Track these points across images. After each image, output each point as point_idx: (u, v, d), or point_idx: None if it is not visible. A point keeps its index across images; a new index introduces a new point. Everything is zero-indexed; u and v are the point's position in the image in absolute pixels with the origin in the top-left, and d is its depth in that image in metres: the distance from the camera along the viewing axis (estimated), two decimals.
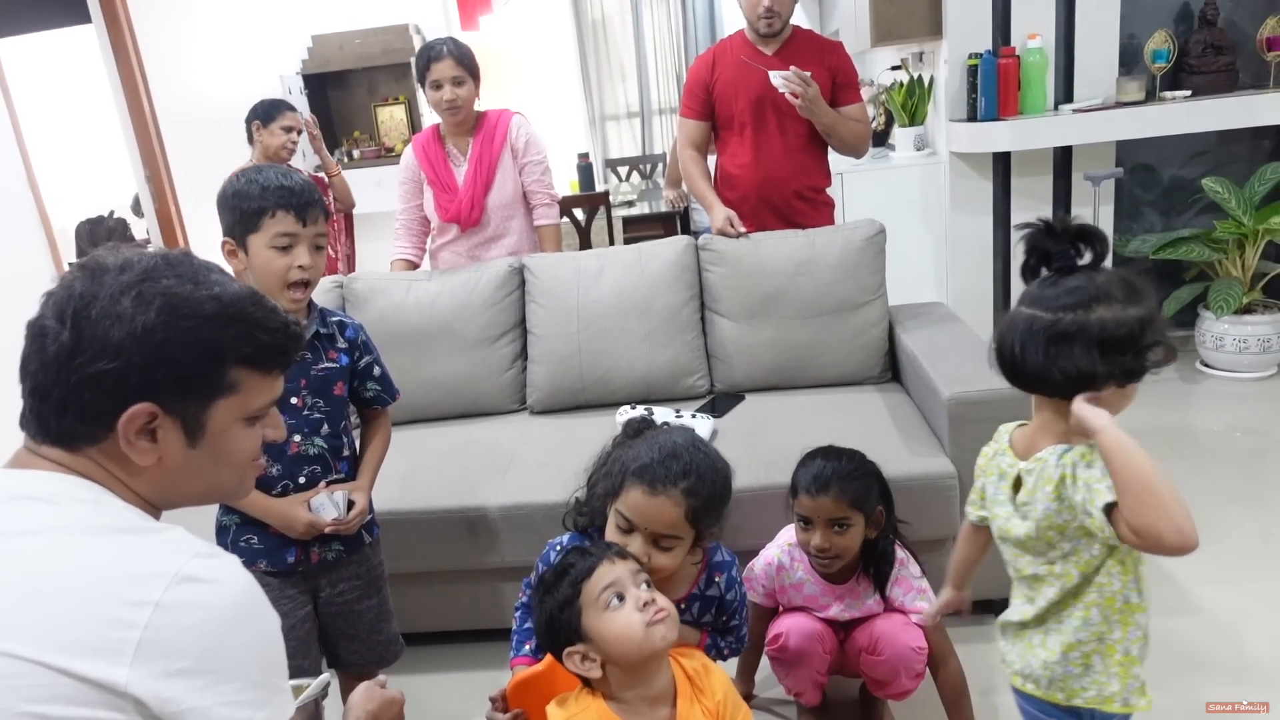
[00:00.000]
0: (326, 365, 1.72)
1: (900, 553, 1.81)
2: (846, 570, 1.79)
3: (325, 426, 1.72)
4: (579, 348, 2.66)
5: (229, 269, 1.03)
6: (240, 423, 0.96)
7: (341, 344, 1.75)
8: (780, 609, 1.91)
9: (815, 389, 2.65)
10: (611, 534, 1.43)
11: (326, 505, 1.66)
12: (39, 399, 0.89)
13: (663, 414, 2.45)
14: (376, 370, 1.83)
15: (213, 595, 0.84)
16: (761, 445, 2.29)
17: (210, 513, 2.10)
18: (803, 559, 1.84)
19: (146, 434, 0.90)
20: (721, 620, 1.59)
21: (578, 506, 1.60)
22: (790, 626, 1.80)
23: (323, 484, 1.70)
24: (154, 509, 0.95)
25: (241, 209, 1.59)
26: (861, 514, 1.70)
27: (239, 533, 1.68)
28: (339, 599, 1.77)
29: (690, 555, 1.45)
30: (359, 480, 1.77)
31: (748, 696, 2.02)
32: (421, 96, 5.40)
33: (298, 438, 1.68)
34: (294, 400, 1.67)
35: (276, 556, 1.69)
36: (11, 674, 0.77)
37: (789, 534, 1.87)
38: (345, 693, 1.86)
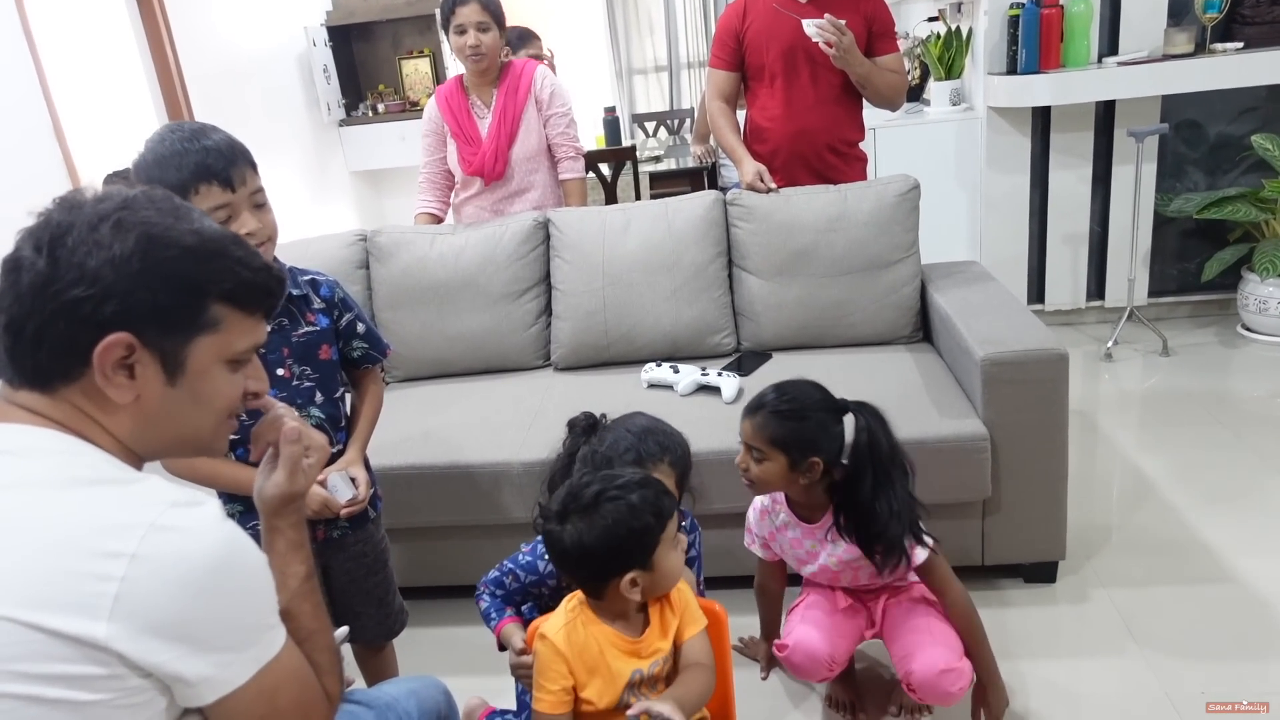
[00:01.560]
0: (307, 330, 1.61)
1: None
2: (811, 510, 1.75)
3: (319, 394, 1.63)
4: (604, 303, 2.63)
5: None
6: (222, 365, 0.93)
7: (318, 304, 1.64)
8: (792, 611, 1.87)
9: (844, 348, 2.60)
10: None
11: (341, 486, 1.58)
12: (13, 335, 0.86)
13: (688, 371, 2.42)
14: (360, 327, 1.71)
15: (191, 544, 0.82)
16: None
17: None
18: (783, 501, 1.80)
19: (124, 369, 0.87)
20: None
21: (544, 511, 1.54)
22: (797, 641, 1.76)
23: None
24: (135, 458, 0.92)
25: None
26: (782, 454, 1.63)
27: (244, 520, 1.58)
28: (346, 577, 1.73)
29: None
30: (349, 454, 1.66)
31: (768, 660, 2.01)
32: (446, 49, 5.35)
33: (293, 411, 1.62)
34: (281, 372, 1.57)
35: None
36: None
37: None
38: (361, 663, 1.88)
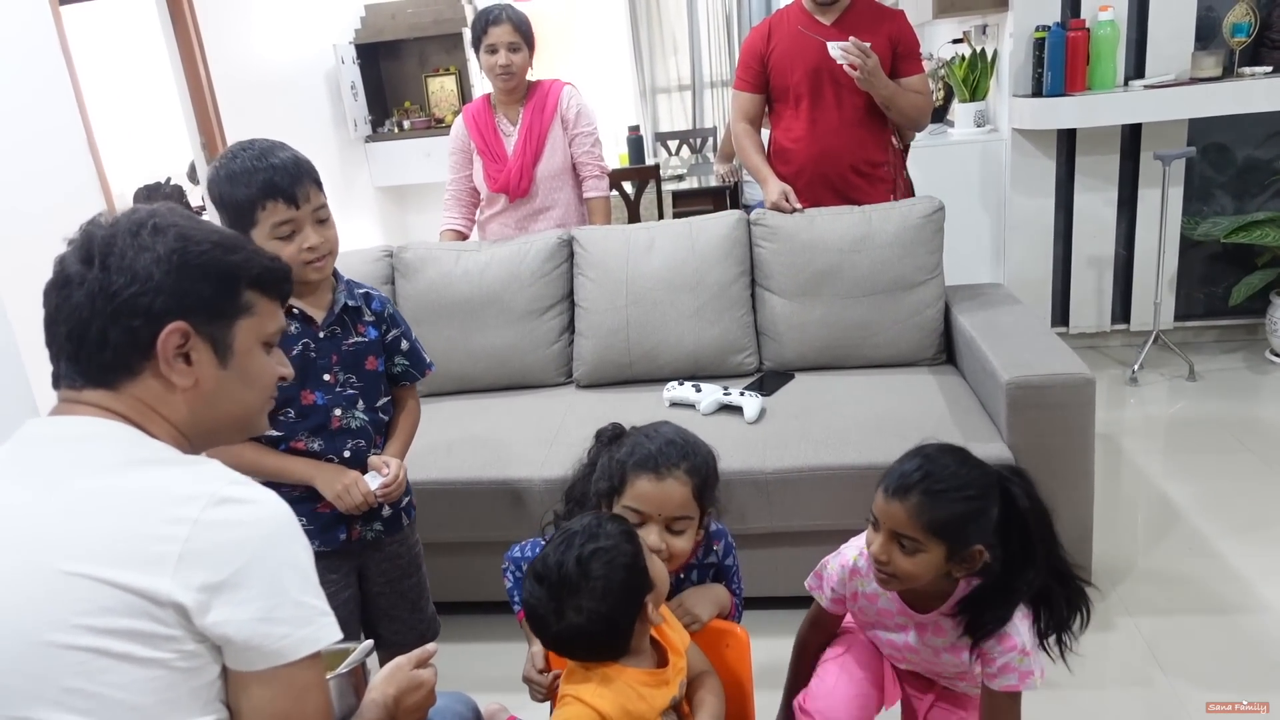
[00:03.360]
0: (356, 340, 1.68)
1: (1021, 610, 1.36)
2: (930, 598, 1.41)
3: (361, 402, 1.68)
4: (627, 321, 2.63)
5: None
6: (259, 346, 1.04)
7: (369, 316, 1.71)
8: (832, 648, 1.60)
9: (867, 369, 2.59)
10: None
11: (373, 478, 1.66)
12: (77, 342, 0.94)
13: (710, 391, 2.42)
14: (404, 344, 1.77)
15: (250, 513, 0.90)
16: (811, 425, 2.25)
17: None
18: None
19: (182, 357, 0.96)
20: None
21: (557, 521, 1.50)
22: (819, 711, 1.50)
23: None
24: (190, 446, 1.00)
25: (233, 208, 1.52)
26: (941, 543, 1.29)
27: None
28: (382, 579, 1.77)
29: (696, 536, 1.45)
30: (390, 448, 1.74)
31: None
32: (473, 66, 5.41)
33: (338, 411, 1.65)
34: (326, 377, 1.64)
35: (329, 535, 1.67)
36: (64, 590, 0.83)
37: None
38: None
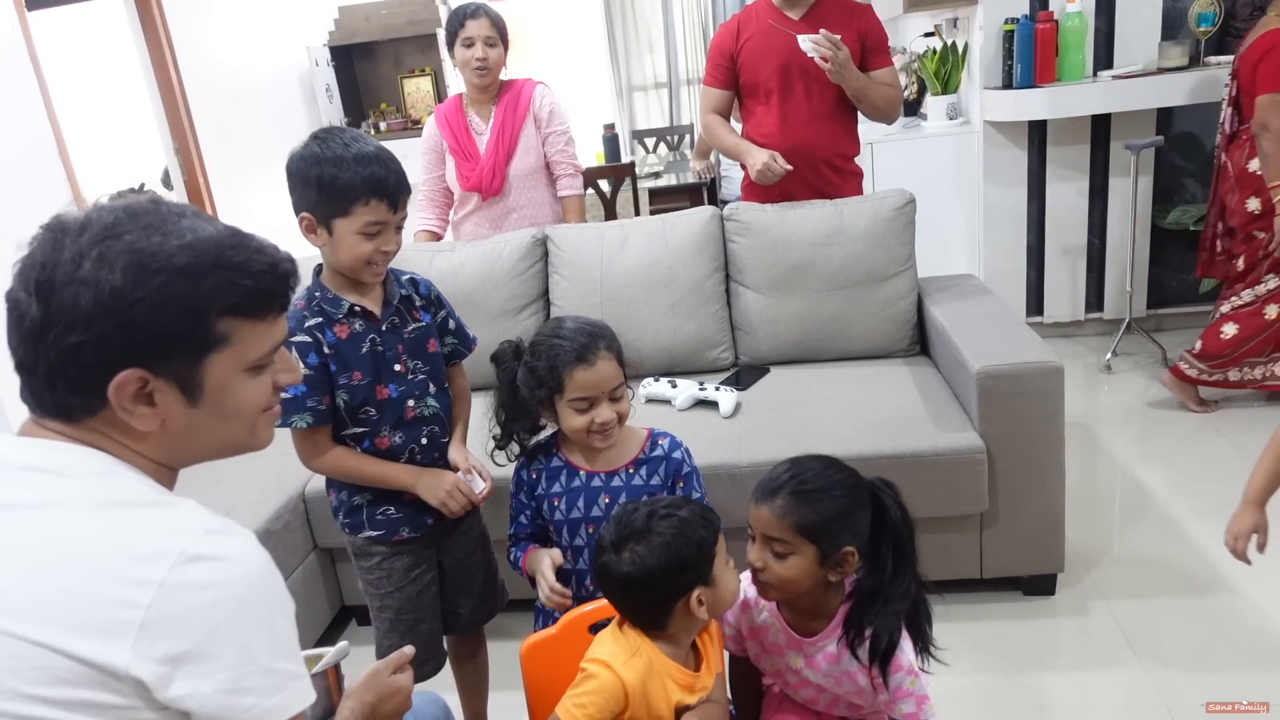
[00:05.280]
0: (415, 326, 1.68)
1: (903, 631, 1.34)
2: (811, 616, 1.38)
3: (431, 385, 1.69)
4: (601, 319, 2.63)
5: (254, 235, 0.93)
6: (242, 374, 0.90)
7: (419, 301, 1.71)
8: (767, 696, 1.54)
9: (841, 362, 2.61)
10: (573, 421, 1.52)
11: (475, 481, 1.70)
12: (25, 374, 0.85)
13: (686, 386, 2.43)
14: (451, 323, 1.78)
15: (220, 574, 0.81)
16: (786, 419, 2.27)
17: (237, 482, 2.11)
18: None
19: (143, 399, 0.85)
20: (678, 487, 1.61)
21: (509, 438, 1.62)
22: None
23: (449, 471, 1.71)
24: (169, 471, 0.92)
25: (330, 190, 1.48)
26: (811, 544, 1.29)
27: (373, 508, 1.68)
28: (460, 552, 1.81)
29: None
30: (460, 450, 1.75)
31: None
32: (448, 67, 5.40)
33: (411, 401, 1.65)
34: (398, 368, 1.64)
35: (417, 520, 1.70)
36: (14, 655, 0.76)
37: None
38: (455, 660, 1.90)
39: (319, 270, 1.62)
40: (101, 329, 0.81)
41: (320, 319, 1.58)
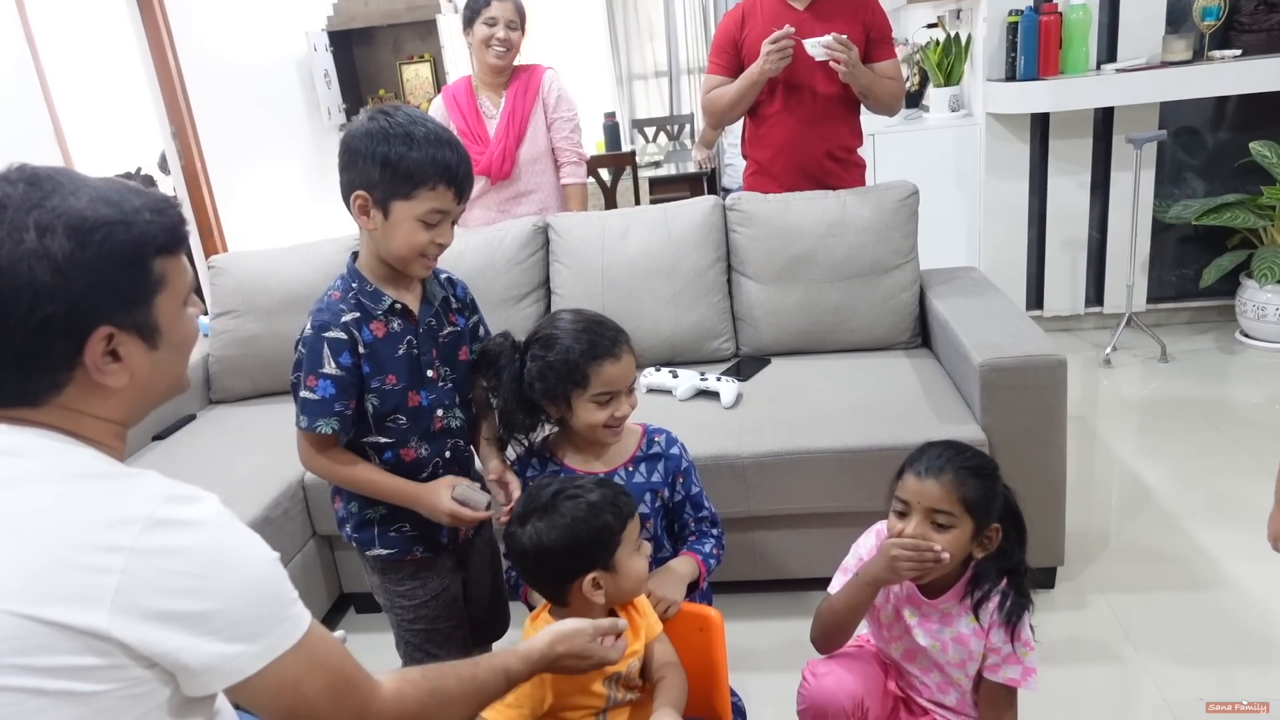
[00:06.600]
0: (450, 330, 1.57)
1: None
2: (942, 584, 1.45)
3: (458, 395, 1.59)
4: (603, 309, 2.58)
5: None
6: (181, 309, 0.94)
7: (456, 304, 1.60)
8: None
9: (843, 353, 2.60)
10: (592, 415, 1.50)
11: (472, 495, 1.52)
12: None
13: (687, 376, 2.42)
14: (482, 330, 1.66)
15: (189, 538, 0.83)
16: (787, 410, 2.26)
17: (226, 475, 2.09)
18: None
19: (110, 356, 0.87)
20: (678, 483, 1.61)
21: (510, 437, 1.58)
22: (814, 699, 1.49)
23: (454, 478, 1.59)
24: (120, 443, 0.93)
25: (396, 169, 1.37)
26: (971, 519, 1.37)
27: (387, 523, 1.58)
28: (480, 561, 1.76)
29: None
30: (499, 457, 1.61)
31: None
32: (447, 53, 5.37)
33: (440, 411, 1.55)
34: (430, 373, 1.53)
35: (431, 539, 1.61)
36: None
37: (884, 527, 1.52)
38: None
39: (354, 256, 1.50)
40: (69, 295, 0.82)
41: (358, 314, 1.46)
